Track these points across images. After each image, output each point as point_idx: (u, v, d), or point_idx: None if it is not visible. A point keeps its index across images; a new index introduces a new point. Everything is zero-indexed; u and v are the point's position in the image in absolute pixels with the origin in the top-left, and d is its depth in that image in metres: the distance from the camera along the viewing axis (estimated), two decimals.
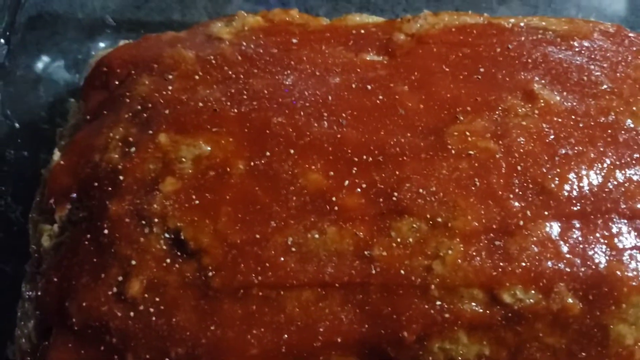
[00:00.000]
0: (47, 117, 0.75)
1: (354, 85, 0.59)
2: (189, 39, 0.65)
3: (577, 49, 0.63)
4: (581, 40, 0.64)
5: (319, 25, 0.66)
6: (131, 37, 0.75)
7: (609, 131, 0.57)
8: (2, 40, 0.71)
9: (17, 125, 0.71)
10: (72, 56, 0.81)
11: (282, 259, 0.51)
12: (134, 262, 0.52)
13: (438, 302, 0.50)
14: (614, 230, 0.52)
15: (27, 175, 0.69)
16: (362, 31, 0.65)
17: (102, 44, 0.81)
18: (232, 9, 0.87)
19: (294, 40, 0.63)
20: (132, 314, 0.51)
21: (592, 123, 0.57)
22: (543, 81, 0.59)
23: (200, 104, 0.58)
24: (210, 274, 0.51)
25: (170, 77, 0.60)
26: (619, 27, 0.68)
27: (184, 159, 0.55)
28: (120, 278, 0.52)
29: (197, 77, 0.60)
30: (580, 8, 0.92)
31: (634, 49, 0.65)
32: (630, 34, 0.67)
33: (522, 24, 0.66)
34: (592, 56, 0.62)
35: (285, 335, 0.49)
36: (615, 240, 0.51)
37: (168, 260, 0.52)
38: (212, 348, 0.49)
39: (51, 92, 0.78)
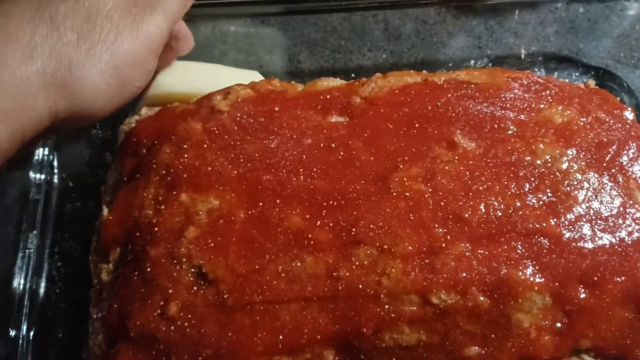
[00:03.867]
0: (90, 171, 0.95)
1: (322, 145, 0.78)
2: (196, 111, 0.84)
3: (492, 100, 0.80)
4: (496, 91, 0.82)
5: (295, 92, 0.85)
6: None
7: (512, 168, 0.75)
8: None
9: (70, 184, 0.92)
10: None
11: (275, 282, 0.70)
12: (170, 291, 0.70)
13: (386, 306, 0.69)
14: (512, 245, 0.71)
15: (81, 220, 0.90)
16: (328, 96, 0.83)
17: None
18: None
19: (276, 108, 0.82)
20: (172, 327, 0.69)
21: (499, 163, 0.75)
22: (463, 132, 0.78)
23: (209, 168, 0.77)
24: (225, 296, 0.69)
25: (185, 146, 0.79)
26: (530, 74, 0.85)
27: (200, 212, 0.75)
28: (162, 303, 0.70)
29: (205, 145, 0.79)
30: (517, 36, 1.10)
31: (539, 94, 0.82)
32: (540, 79, 0.85)
33: (452, 80, 0.84)
34: (504, 105, 0.80)
35: (281, 336, 0.68)
36: (513, 253, 0.71)
37: (195, 288, 0.71)
38: (230, 349, 0.68)
39: (90, 149, 0.98)
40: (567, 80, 1.02)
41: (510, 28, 1.09)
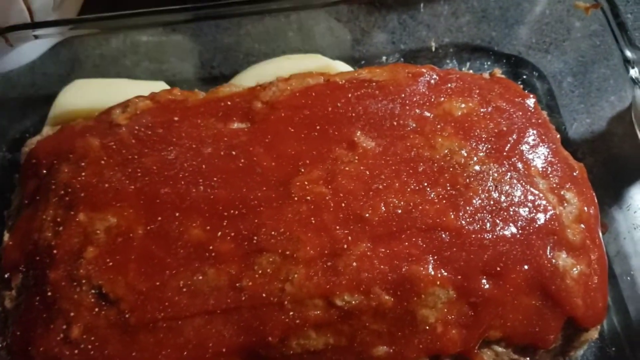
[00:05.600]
0: None
1: (222, 153, 0.77)
2: (95, 127, 0.82)
3: (392, 98, 0.80)
4: (397, 87, 0.82)
5: (196, 100, 0.83)
6: None
7: (411, 164, 0.75)
8: None
9: None
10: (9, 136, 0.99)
11: (177, 298, 0.69)
12: (72, 314, 0.69)
13: (291, 312, 0.68)
14: (413, 241, 0.71)
15: None
16: (229, 102, 0.82)
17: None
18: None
19: (175, 118, 0.80)
20: (76, 351, 0.68)
21: (399, 160, 0.75)
22: (363, 131, 0.77)
23: (107, 185, 0.75)
24: (127, 315, 0.68)
25: (83, 164, 0.78)
26: (431, 68, 0.85)
27: (98, 231, 0.73)
28: (64, 326, 0.69)
29: (102, 162, 0.77)
30: (430, 28, 1.10)
31: (439, 87, 0.82)
32: (440, 72, 0.85)
33: (353, 79, 0.83)
34: (404, 101, 0.80)
35: (185, 352, 0.67)
36: (414, 249, 0.70)
37: (96, 309, 0.69)
38: None
39: None
40: (479, 71, 1.03)
41: (423, 21, 1.09)
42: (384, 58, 1.05)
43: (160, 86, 0.94)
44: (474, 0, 1.10)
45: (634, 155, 0.90)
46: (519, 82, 1.04)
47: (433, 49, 1.05)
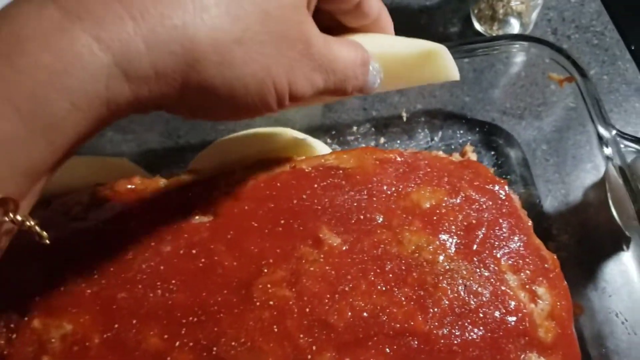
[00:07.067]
0: None
1: (181, 252, 0.74)
2: (50, 218, 0.80)
3: (358, 188, 0.78)
4: (364, 176, 0.79)
5: (156, 190, 0.80)
6: None
7: (378, 262, 0.73)
8: None
9: None
10: None
11: None
12: None
13: None
14: (380, 348, 0.68)
15: None
16: (190, 194, 0.79)
17: None
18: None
19: (134, 213, 0.78)
20: None
21: (366, 258, 0.73)
22: (329, 226, 0.75)
23: (62, 288, 0.73)
24: None
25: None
26: (399, 153, 0.83)
27: (53, 339, 0.70)
28: None
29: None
30: (402, 94, 1.07)
31: (407, 176, 0.80)
32: (409, 158, 0.82)
33: (320, 166, 0.81)
34: (371, 192, 0.78)
35: None
36: (381, 357, 0.68)
37: None
38: None
39: None
40: (451, 140, 1.01)
41: None
42: (354, 128, 1.03)
43: (122, 164, 0.91)
44: None
45: (609, 231, 0.89)
46: (492, 152, 1.02)
47: (405, 118, 1.02)
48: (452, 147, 1.01)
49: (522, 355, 0.70)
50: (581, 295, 0.87)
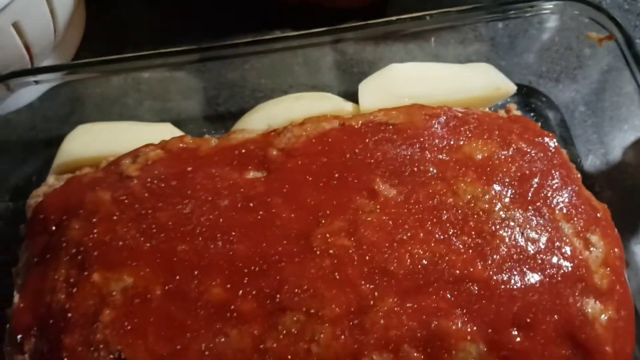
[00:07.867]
0: (3, 247, 0.89)
1: (239, 205, 0.74)
2: (104, 179, 0.80)
3: (410, 142, 0.78)
4: (414, 131, 0.79)
5: (209, 148, 0.81)
6: None
7: (435, 212, 0.73)
8: None
9: None
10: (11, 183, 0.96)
11: None
12: None
13: None
14: (441, 295, 0.69)
15: None
16: (243, 150, 0.80)
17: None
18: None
19: (189, 169, 0.78)
20: None
21: (422, 208, 0.73)
22: (383, 178, 0.75)
23: (120, 243, 0.73)
24: None
25: (94, 220, 0.75)
26: (447, 109, 0.83)
27: (114, 292, 0.70)
28: None
29: (115, 217, 0.75)
30: (439, 58, 1.07)
31: (458, 129, 0.81)
32: (458, 113, 0.83)
33: (370, 122, 0.81)
34: (423, 145, 0.78)
35: None
36: (442, 303, 0.69)
37: None
38: None
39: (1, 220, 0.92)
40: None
41: (431, 51, 1.07)
42: None
43: (167, 128, 0.91)
44: (481, 27, 1.09)
45: None
46: (532, 113, 1.02)
47: None
48: (492, 109, 1.01)
49: (580, 300, 0.71)
50: (626, 249, 0.87)
